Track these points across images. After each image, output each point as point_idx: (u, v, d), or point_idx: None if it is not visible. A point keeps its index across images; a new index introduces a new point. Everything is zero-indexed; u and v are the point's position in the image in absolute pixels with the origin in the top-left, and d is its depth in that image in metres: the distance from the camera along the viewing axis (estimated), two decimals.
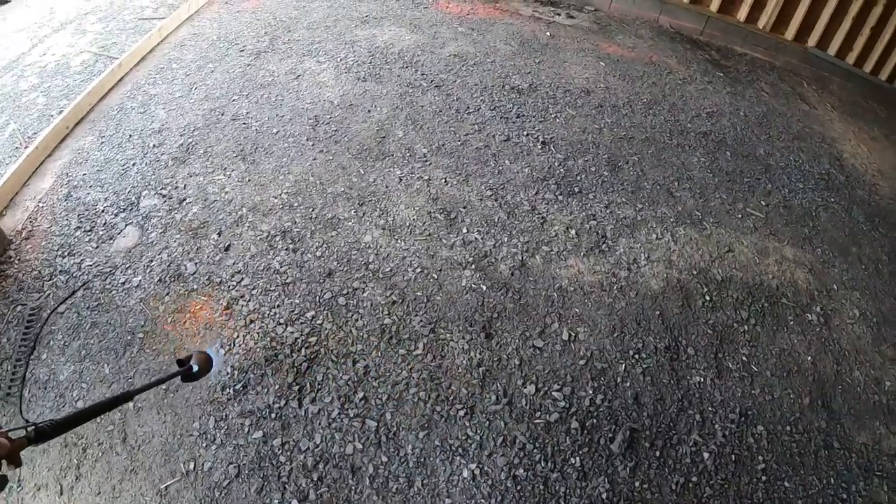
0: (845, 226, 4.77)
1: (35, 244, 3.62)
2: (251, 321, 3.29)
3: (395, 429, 2.95)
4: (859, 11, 6.40)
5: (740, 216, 4.54)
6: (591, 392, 3.23)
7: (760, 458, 3.14)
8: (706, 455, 3.09)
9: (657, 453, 3.05)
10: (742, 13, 6.82)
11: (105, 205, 3.84)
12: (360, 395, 3.05)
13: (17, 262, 3.53)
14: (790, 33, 6.79)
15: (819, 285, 4.17)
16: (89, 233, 3.68)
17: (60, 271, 3.47)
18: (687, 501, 2.90)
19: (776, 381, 3.51)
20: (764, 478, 3.06)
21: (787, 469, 3.12)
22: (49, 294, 3.38)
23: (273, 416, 2.94)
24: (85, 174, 4.04)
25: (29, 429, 1.28)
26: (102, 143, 4.29)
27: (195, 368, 1.87)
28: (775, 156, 5.30)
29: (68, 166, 4.11)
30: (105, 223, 3.73)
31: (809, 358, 3.68)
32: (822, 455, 3.20)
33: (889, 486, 3.14)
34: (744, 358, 3.58)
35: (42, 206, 3.83)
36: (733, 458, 3.11)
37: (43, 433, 1.27)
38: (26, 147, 4.15)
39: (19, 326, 3.24)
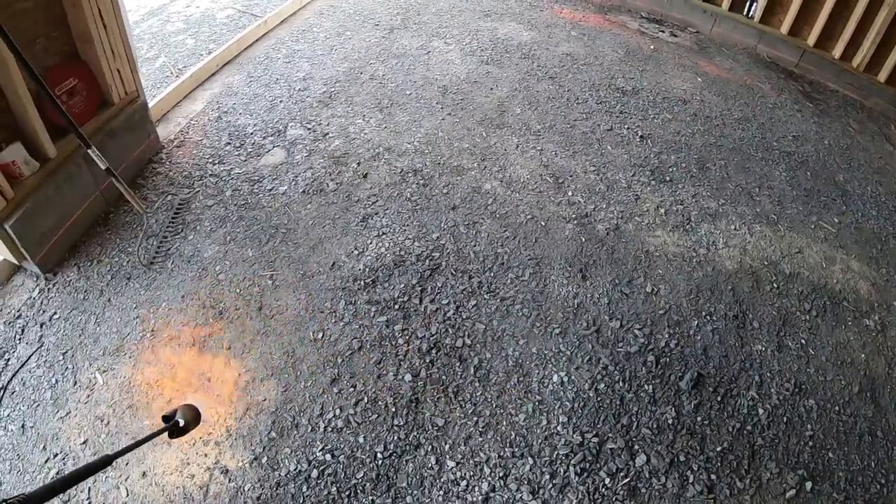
0: None
1: (186, 151, 4.45)
2: (383, 233, 4.08)
3: (499, 334, 3.67)
4: None
5: (813, 227, 5.16)
6: (666, 336, 3.89)
7: (809, 426, 3.64)
8: (761, 411, 3.64)
9: (719, 398, 3.64)
10: (837, 50, 7.26)
11: (254, 129, 4.70)
12: (473, 302, 3.79)
13: (168, 163, 4.37)
14: (883, 75, 7.13)
15: (880, 299, 4.68)
16: (239, 149, 4.52)
17: (211, 174, 4.29)
18: (740, 444, 3.45)
19: (829, 366, 4.02)
20: (811, 443, 3.55)
21: (833, 442, 3.59)
22: (199, 190, 4.19)
23: (396, 307, 3.68)
24: (234, 104, 4.91)
25: None
26: (251, 81, 5.18)
27: (182, 423, 2.10)
28: (853, 183, 5.90)
29: (219, 96, 4.98)
30: (254, 143, 4.58)
31: (863, 356, 4.18)
32: (865, 440, 3.65)
33: None
34: (803, 341, 4.14)
35: (193, 124, 4.68)
36: (785, 420, 3.63)
37: None
38: (178, 76, 5.03)
39: (168, 212, 4.04)
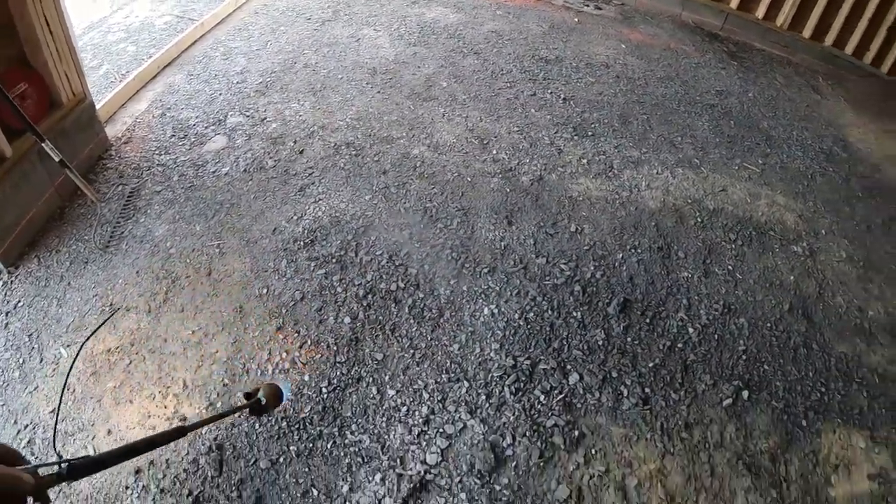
0: (841, 190, 5.60)
1: (133, 146, 4.82)
2: (319, 199, 4.46)
3: (430, 276, 4.03)
4: (875, 12, 7.10)
5: (737, 168, 5.54)
6: (592, 269, 4.25)
7: (741, 342, 3.96)
8: (691, 330, 3.98)
9: (647, 320, 3.98)
10: (760, 11, 7.66)
11: (196, 121, 5.09)
12: (405, 251, 4.16)
13: (117, 158, 4.73)
14: (807, 32, 7.54)
15: (808, 227, 5.03)
16: (183, 139, 4.91)
17: (158, 164, 4.67)
18: (672, 360, 3.79)
19: (758, 288, 4.36)
20: (744, 357, 3.87)
21: (767, 356, 3.91)
22: (147, 179, 4.55)
23: (334, 260, 4.04)
24: (177, 100, 5.31)
25: (62, 465, 1.28)
26: (191, 79, 5.60)
27: (263, 401, 2.22)
28: (778, 129, 6.29)
29: (161, 95, 5.37)
30: (197, 133, 4.97)
31: (792, 278, 4.52)
32: (801, 352, 3.95)
33: (869, 393, 3.79)
34: (729, 267, 4.49)
35: (139, 122, 5.06)
36: (716, 338, 3.96)
37: (75, 470, 1.28)
38: (122, 81, 5.41)
39: (119, 200, 4.39)
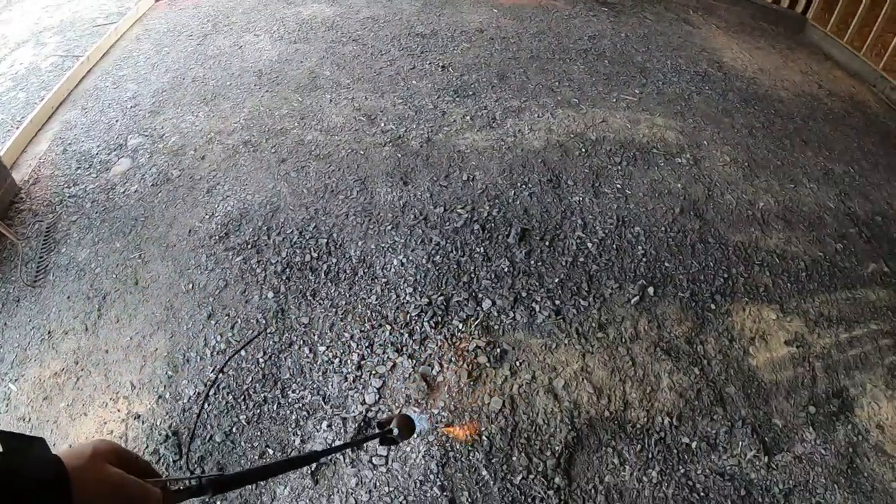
0: (719, 105, 6.21)
1: (42, 186, 5.12)
2: (227, 196, 4.85)
3: (340, 242, 4.46)
4: None
5: (615, 100, 6.10)
6: (488, 208, 4.73)
7: (640, 248, 4.45)
8: (590, 245, 4.46)
9: (547, 244, 4.46)
10: None
11: (98, 150, 5.43)
12: (313, 225, 4.58)
13: (28, 200, 5.01)
14: None
15: (689, 141, 5.60)
16: (88, 169, 5.23)
17: (69, 196, 4.98)
18: (576, 274, 4.25)
19: (648, 199, 4.88)
20: (644, 260, 4.36)
21: (667, 255, 4.41)
22: (61, 212, 4.87)
23: (249, 246, 4.44)
24: (76, 135, 5.64)
25: (192, 481, 1.32)
26: (86, 112, 5.95)
27: (395, 431, 2.20)
28: (652, 62, 6.88)
29: (60, 132, 5.70)
30: (100, 161, 5.31)
31: (680, 185, 5.05)
32: (698, 248, 4.45)
33: (772, 272, 4.32)
34: (618, 186, 5.01)
35: (43, 161, 5.36)
36: (615, 248, 4.45)
37: (205, 487, 1.33)
38: (18, 127, 5.72)
39: (38, 237, 4.70)
